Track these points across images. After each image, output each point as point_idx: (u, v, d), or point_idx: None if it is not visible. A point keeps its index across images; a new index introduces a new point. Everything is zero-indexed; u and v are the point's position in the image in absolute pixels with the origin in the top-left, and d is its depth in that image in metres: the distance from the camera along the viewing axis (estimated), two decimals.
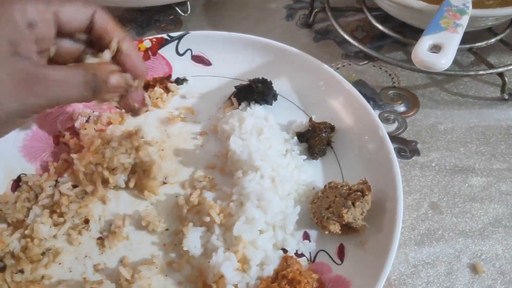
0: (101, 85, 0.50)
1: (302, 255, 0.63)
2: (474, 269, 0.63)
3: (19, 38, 0.45)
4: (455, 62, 0.87)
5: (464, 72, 0.80)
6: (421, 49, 0.58)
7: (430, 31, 0.61)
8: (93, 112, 0.81)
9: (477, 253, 0.64)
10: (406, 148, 0.76)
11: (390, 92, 0.85)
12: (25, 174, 0.73)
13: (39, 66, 0.46)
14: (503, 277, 0.62)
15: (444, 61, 0.57)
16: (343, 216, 0.60)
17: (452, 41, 0.59)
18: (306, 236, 0.65)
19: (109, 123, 0.80)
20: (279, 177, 0.67)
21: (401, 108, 0.82)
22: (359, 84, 0.86)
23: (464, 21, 0.64)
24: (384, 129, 0.69)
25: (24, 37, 0.45)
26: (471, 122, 0.79)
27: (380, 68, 0.89)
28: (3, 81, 0.43)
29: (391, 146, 0.67)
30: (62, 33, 0.51)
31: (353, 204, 0.62)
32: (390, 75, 0.88)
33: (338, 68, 0.89)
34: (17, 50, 0.45)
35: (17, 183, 0.72)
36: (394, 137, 0.77)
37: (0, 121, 0.46)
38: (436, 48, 0.59)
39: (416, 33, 0.82)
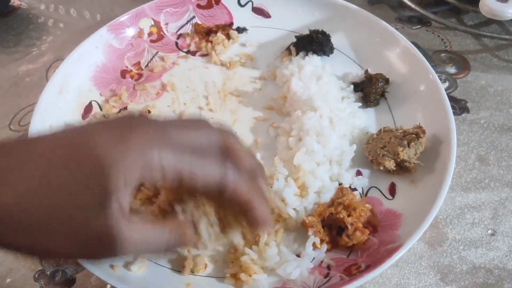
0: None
1: (355, 189, 0.67)
2: None
3: (122, 192, 0.36)
4: (507, 31, 0.90)
5: None
6: None
7: None
8: (157, 52, 0.86)
9: None
10: (456, 106, 0.79)
11: (442, 55, 0.88)
12: (96, 101, 0.78)
13: (119, 223, 0.36)
14: None
15: (511, 10, 0.60)
16: (398, 154, 0.64)
17: None
18: (358, 174, 0.69)
19: (174, 63, 0.85)
20: (336, 118, 0.71)
21: (452, 70, 0.85)
22: None
23: None
24: (439, 81, 0.72)
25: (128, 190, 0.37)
26: None
27: (433, 33, 0.92)
28: (72, 235, 0.37)
29: (445, 95, 0.70)
30: None
31: (408, 144, 0.65)
32: (442, 39, 0.90)
33: None
34: (109, 203, 0.36)
35: (88, 110, 0.77)
36: None
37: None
38: (502, 0, 0.62)
39: (470, 2, 0.85)
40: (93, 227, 0.36)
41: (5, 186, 0.36)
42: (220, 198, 0.43)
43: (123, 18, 0.85)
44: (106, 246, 0.37)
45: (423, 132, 0.66)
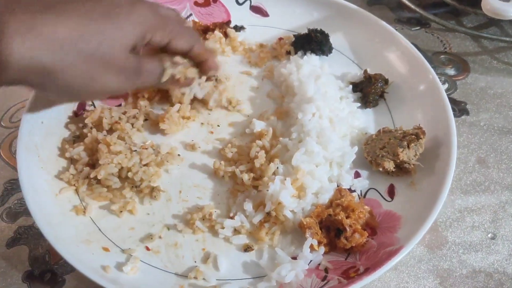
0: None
1: (353, 191, 0.66)
2: None
3: (141, 41, 0.56)
4: (507, 34, 0.89)
5: None
6: None
7: None
8: None
9: None
10: (456, 108, 0.78)
11: (442, 56, 0.87)
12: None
13: (141, 62, 0.58)
14: None
15: None
16: (398, 155, 0.63)
17: None
18: (357, 175, 0.68)
19: None
20: (336, 118, 0.69)
21: (452, 71, 0.84)
22: None
23: None
24: (439, 82, 0.71)
25: (143, 42, 0.57)
26: None
27: (432, 35, 0.91)
28: (117, 72, 0.55)
29: (445, 96, 0.69)
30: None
31: (407, 145, 0.64)
32: (441, 41, 0.90)
33: None
34: (135, 48, 0.56)
35: (81, 106, 0.75)
36: None
37: (101, 95, 0.66)
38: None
39: (470, 2, 0.84)
40: (128, 62, 0.55)
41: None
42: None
43: None
44: (133, 76, 0.57)
45: (423, 133, 0.65)
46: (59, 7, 0.50)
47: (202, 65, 0.67)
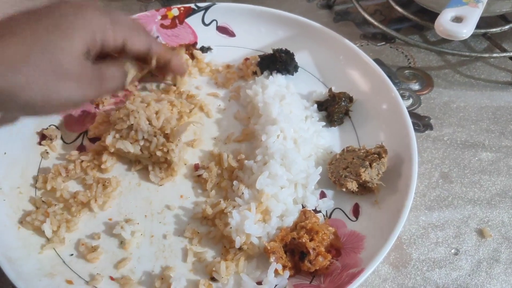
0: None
1: (319, 212, 0.66)
2: (481, 233, 0.66)
3: (92, 45, 0.53)
4: (469, 47, 0.91)
5: (478, 54, 0.83)
6: (444, 19, 0.62)
7: (452, 5, 0.64)
8: None
9: (484, 220, 0.68)
10: (420, 123, 0.79)
11: (406, 71, 0.88)
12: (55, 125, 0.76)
13: (100, 68, 0.56)
14: (508, 242, 0.65)
15: (465, 30, 0.60)
16: (360, 175, 0.64)
17: (473, 14, 0.63)
18: (322, 195, 0.68)
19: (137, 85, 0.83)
20: (301, 139, 0.70)
21: (416, 86, 0.86)
22: (376, 63, 0.88)
23: None
24: (401, 99, 0.72)
25: (95, 45, 0.54)
26: (483, 103, 0.83)
27: (397, 50, 0.92)
28: (77, 81, 0.52)
29: (406, 114, 0.70)
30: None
31: (370, 164, 0.65)
32: (406, 56, 0.91)
33: None
34: (89, 54, 0.54)
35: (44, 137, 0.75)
36: (408, 112, 0.80)
37: (66, 107, 0.62)
38: (457, 20, 0.63)
39: (433, 18, 0.86)
40: (85, 69, 0.52)
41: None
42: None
43: None
44: (92, 82, 0.54)
45: (385, 152, 0.66)
46: (5, 31, 0.49)
47: (166, 68, 0.64)
